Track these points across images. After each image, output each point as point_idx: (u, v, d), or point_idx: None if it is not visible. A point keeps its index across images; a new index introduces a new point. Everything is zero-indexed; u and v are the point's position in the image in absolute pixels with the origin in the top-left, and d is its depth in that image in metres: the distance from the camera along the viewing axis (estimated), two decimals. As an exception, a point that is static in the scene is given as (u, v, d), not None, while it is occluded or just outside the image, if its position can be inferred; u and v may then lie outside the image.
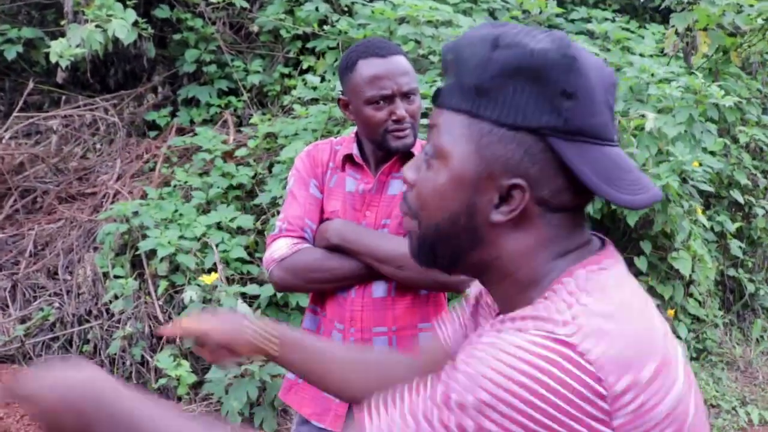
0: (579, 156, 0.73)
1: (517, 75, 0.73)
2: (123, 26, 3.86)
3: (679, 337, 3.83)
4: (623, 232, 3.90)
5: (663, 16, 5.58)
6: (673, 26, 4.24)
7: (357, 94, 1.63)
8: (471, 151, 0.76)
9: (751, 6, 4.30)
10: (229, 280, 3.29)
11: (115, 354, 3.21)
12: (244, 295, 3.19)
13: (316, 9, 4.37)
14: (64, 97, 4.65)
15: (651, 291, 3.86)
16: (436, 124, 0.80)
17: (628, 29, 4.97)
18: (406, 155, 1.69)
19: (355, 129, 1.76)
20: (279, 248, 1.65)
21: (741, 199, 4.33)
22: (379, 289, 1.65)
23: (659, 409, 0.69)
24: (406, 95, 1.62)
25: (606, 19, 5.04)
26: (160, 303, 3.28)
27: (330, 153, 1.77)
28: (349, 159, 1.73)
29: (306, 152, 1.80)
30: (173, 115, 4.61)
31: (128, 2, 4.07)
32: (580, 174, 0.73)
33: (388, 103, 1.61)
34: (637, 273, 3.89)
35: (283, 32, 4.49)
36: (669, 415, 0.70)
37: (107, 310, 3.36)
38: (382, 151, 1.68)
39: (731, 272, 4.56)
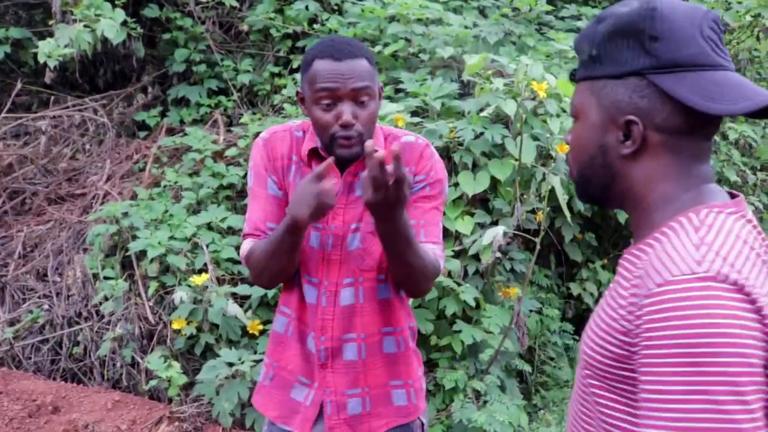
0: (676, 83, 0.90)
1: (615, 36, 0.94)
2: (112, 26, 3.84)
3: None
4: (614, 230, 3.91)
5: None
6: (662, 23, 4.25)
7: (308, 92, 1.55)
8: (594, 103, 0.97)
9: (740, 3, 4.32)
10: (220, 281, 3.28)
11: (105, 356, 3.19)
12: (234, 296, 3.18)
13: (306, 8, 4.36)
14: (52, 98, 4.61)
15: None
16: (574, 94, 1.02)
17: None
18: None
19: None
20: (243, 249, 1.66)
21: (731, 196, 4.34)
22: (346, 296, 1.62)
23: None
24: (358, 99, 1.51)
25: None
26: (151, 304, 3.27)
27: (291, 143, 1.65)
28: (315, 153, 1.62)
29: (263, 141, 1.66)
30: (163, 115, 4.59)
31: (117, 2, 4.06)
32: (675, 94, 0.89)
33: (336, 105, 1.51)
34: (628, 270, 3.90)
35: (273, 31, 4.48)
36: None
37: (97, 312, 3.34)
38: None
39: (722, 268, 4.57)
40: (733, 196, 0.97)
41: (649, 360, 0.83)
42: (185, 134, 4.17)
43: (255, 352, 3.03)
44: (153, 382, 2.98)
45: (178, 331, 3.09)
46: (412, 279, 1.57)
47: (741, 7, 4.31)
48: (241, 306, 3.15)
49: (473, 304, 2.99)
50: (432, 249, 1.59)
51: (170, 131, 4.45)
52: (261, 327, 3.08)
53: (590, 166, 1.00)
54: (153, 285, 3.25)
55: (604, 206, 1.06)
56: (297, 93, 1.62)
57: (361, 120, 1.52)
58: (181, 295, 3.04)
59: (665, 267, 0.85)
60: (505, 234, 2.89)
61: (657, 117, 0.92)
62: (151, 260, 3.27)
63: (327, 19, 4.34)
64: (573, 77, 1.03)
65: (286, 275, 1.64)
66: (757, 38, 4.26)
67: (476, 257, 3.10)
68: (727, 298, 0.80)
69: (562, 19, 5.09)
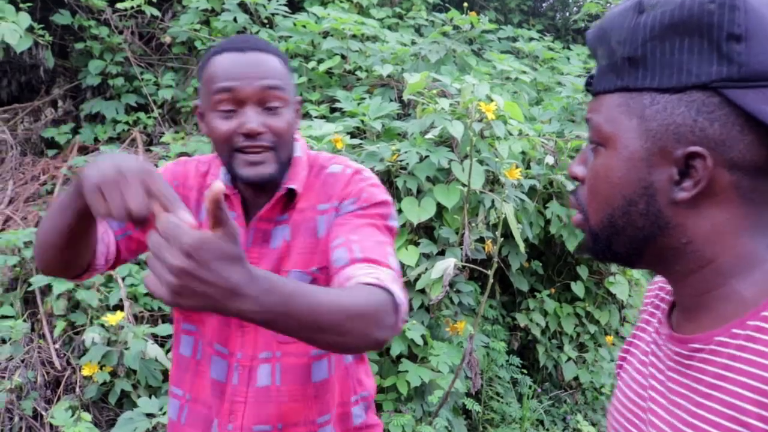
0: (766, 102, 0.64)
1: (671, 32, 0.66)
2: (14, 31, 3.46)
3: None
4: (559, 257, 3.78)
5: (585, 38, 5.59)
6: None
7: (204, 97, 1.22)
8: (635, 127, 0.70)
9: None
10: (138, 318, 2.93)
11: (2, 409, 2.78)
12: (155, 336, 2.85)
13: (234, 20, 4.07)
14: (-53, 111, 4.15)
15: (588, 316, 3.75)
16: (595, 111, 0.74)
17: (553, 49, 4.92)
18: (290, 194, 1.25)
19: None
20: None
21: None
22: (263, 375, 1.25)
23: None
24: (267, 102, 1.18)
25: (532, 39, 4.97)
26: (57, 347, 2.88)
27: (196, 179, 1.34)
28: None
29: (173, 166, 1.35)
30: (75, 132, 4.19)
31: (21, 5, 3.67)
32: None
33: (239, 111, 1.18)
34: (573, 298, 3.78)
35: (197, 44, 4.17)
36: None
37: (-7, 356, 2.93)
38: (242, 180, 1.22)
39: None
40: None
41: None
42: (100, 153, 3.80)
43: (178, 400, 2.71)
44: (58, 439, 2.61)
45: (89, 378, 2.73)
46: (340, 344, 0.91)
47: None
48: (162, 347, 2.83)
49: (420, 341, 2.77)
50: (370, 273, 1.03)
51: (83, 150, 4.06)
52: (185, 370, 2.76)
53: (626, 214, 0.72)
54: (60, 324, 2.87)
55: (627, 265, 0.77)
56: (195, 107, 1.27)
57: (272, 129, 1.17)
58: (92, 335, 2.69)
59: None
60: (454, 266, 2.68)
61: (733, 149, 0.66)
62: (58, 296, 2.90)
63: (257, 32, 4.07)
64: (589, 86, 0.76)
65: (62, 261, 1.16)
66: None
67: (422, 290, 2.88)
68: None
69: (499, 40, 5.00)
